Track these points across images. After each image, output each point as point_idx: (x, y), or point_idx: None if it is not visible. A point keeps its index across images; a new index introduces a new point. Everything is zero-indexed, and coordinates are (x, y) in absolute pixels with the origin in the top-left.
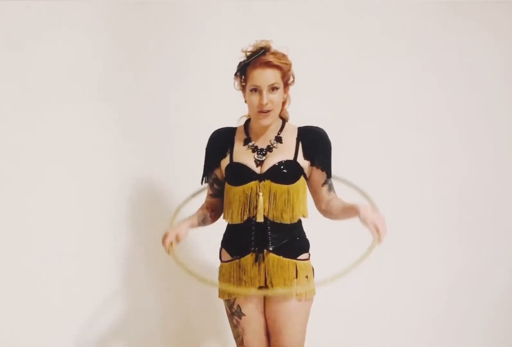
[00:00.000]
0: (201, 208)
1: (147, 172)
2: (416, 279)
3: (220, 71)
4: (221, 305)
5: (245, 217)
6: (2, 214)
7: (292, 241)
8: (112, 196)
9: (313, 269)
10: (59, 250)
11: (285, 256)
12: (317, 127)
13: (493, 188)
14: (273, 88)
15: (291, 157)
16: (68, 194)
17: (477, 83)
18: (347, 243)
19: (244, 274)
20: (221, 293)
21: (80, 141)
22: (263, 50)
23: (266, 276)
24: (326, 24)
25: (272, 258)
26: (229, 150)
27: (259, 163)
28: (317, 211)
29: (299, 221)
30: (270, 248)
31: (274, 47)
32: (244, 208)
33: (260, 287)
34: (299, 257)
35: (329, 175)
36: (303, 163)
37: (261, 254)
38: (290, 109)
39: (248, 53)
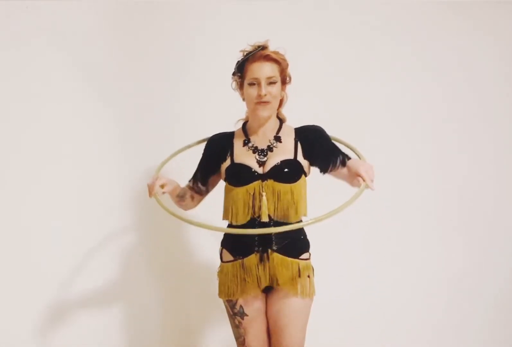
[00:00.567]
0: (187, 186)
1: (147, 172)
2: (416, 279)
3: (220, 71)
4: (221, 305)
5: (249, 218)
6: (2, 214)
7: (294, 240)
8: (112, 196)
9: (313, 269)
10: (59, 250)
11: (288, 255)
12: (312, 125)
13: (493, 188)
14: (271, 82)
15: (291, 157)
16: (67, 194)
17: (477, 83)
18: (347, 243)
19: (249, 275)
20: (222, 294)
21: (80, 141)
22: (262, 47)
23: (271, 275)
24: (325, 24)
25: (277, 257)
26: (229, 153)
27: (262, 163)
28: (317, 208)
29: (301, 221)
30: (274, 248)
31: (272, 47)
32: (248, 208)
33: (265, 287)
34: (301, 257)
35: (343, 162)
36: (303, 162)
37: (265, 254)
38: (288, 109)
39: (246, 53)
